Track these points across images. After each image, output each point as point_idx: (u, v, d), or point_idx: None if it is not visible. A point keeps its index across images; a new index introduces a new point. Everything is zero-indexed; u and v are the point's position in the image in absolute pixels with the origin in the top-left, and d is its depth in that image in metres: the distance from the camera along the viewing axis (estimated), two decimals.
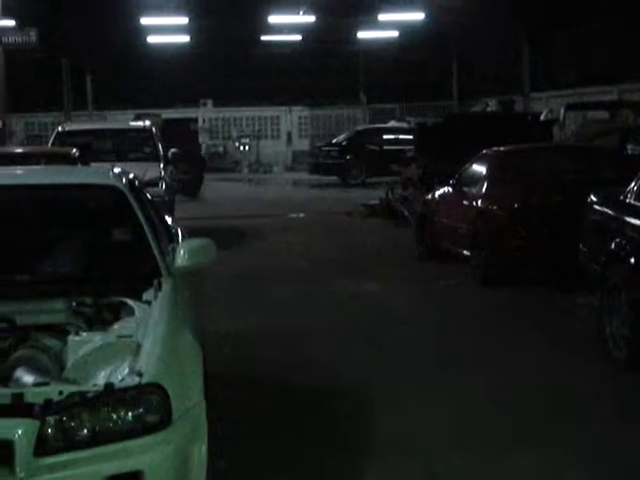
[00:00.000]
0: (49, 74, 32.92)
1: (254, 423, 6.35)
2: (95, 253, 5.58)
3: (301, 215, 20.44)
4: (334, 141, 31.27)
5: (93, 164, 12.32)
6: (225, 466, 5.26)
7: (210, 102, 38.78)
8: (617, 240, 7.65)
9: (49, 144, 16.82)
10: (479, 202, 11.69)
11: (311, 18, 28.93)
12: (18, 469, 3.78)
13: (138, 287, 4.96)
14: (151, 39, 31.21)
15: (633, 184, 7.98)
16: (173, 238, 6.52)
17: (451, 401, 6.82)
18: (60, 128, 17.58)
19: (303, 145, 37.91)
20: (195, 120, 39.04)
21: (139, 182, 6.58)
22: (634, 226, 7.60)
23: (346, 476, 5.52)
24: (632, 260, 7.35)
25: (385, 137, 29.91)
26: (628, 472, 5.44)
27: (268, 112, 39.38)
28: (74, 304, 4.90)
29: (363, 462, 5.67)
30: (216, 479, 4.63)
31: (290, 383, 7.38)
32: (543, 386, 7.12)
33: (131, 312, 4.77)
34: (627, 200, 7.96)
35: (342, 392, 7.13)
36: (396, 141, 28.91)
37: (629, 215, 7.77)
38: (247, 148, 37.00)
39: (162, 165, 16.40)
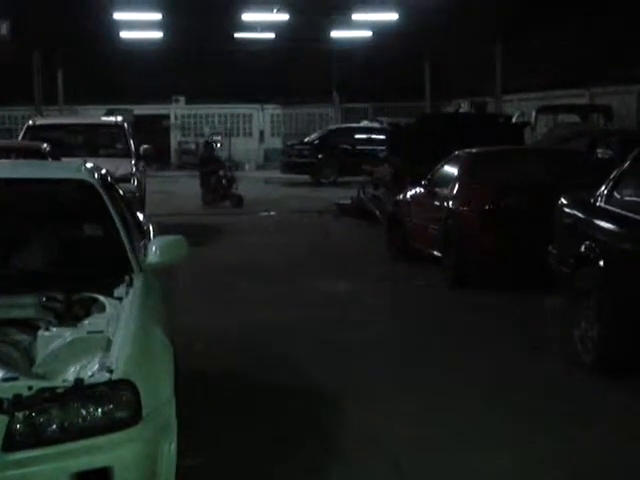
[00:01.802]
0: (20, 68, 32.66)
1: (221, 418, 6.35)
2: (66, 248, 5.55)
3: (272, 213, 20.43)
4: (306, 140, 31.28)
5: (64, 159, 12.25)
6: (195, 463, 5.26)
7: (182, 99, 38.67)
8: (586, 243, 7.69)
9: (19, 138, 16.71)
10: (450, 203, 11.73)
11: (285, 16, 28.92)
12: None
13: (109, 283, 4.95)
14: (124, 34, 31.08)
15: (603, 188, 8.04)
16: (145, 234, 6.49)
17: (409, 398, 6.86)
18: (31, 122, 17.47)
19: (275, 143, 37.89)
20: (167, 116, 38.92)
21: (110, 177, 6.55)
22: (603, 229, 7.66)
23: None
24: (601, 263, 7.40)
25: (357, 137, 29.97)
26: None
27: (241, 110, 39.33)
28: (44, 299, 4.88)
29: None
30: (186, 477, 4.61)
31: (255, 380, 7.39)
32: (505, 388, 7.15)
33: (102, 308, 4.75)
34: (597, 203, 8.01)
35: (305, 389, 7.15)
36: (368, 141, 28.98)
37: (599, 218, 7.83)
38: (219, 145, 36.90)
39: (134, 161, 16.34)
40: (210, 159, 22.88)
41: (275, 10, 28.33)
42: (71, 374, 4.15)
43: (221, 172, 21.97)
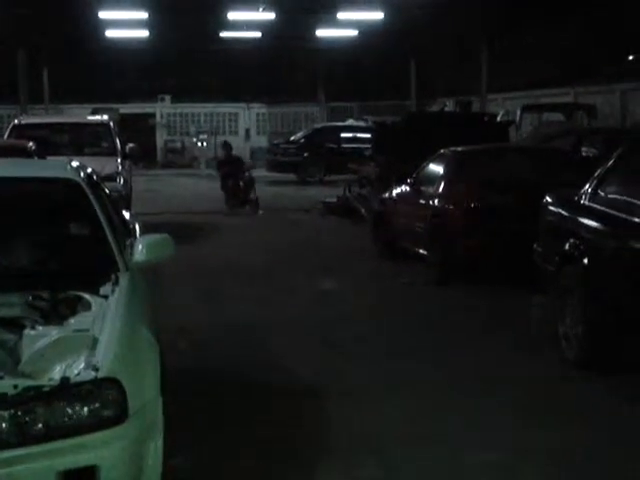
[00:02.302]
0: (5, 67, 32.55)
1: (208, 416, 6.36)
2: (52, 247, 5.55)
3: (259, 212, 20.40)
4: (292, 139, 31.30)
5: (50, 158, 12.23)
6: (181, 462, 5.27)
7: (168, 97, 38.63)
8: (571, 241, 7.73)
9: (5, 137, 16.67)
10: (435, 201, 11.77)
11: (271, 15, 28.88)
12: None
13: (95, 281, 4.95)
14: (110, 33, 30.98)
15: (587, 186, 8.08)
16: (131, 233, 6.50)
17: (395, 395, 6.89)
18: (16, 121, 17.45)
19: (261, 142, 37.87)
20: (153, 115, 38.87)
21: (96, 176, 6.55)
22: (588, 227, 7.70)
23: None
24: (585, 261, 7.44)
25: (343, 135, 30.00)
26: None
27: (226, 108, 39.31)
28: (30, 298, 4.88)
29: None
30: (173, 475, 4.63)
31: (241, 378, 7.41)
32: (489, 384, 7.18)
33: (88, 306, 4.75)
34: (581, 202, 8.06)
35: (289, 387, 7.17)
36: (354, 139, 29.02)
37: (583, 216, 7.87)
38: (205, 144, 36.91)
39: (119, 160, 16.33)
40: (227, 161, 21.52)
41: (261, 9, 28.30)
42: (57, 373, 4.15)
43: (240, 174, 20.54)
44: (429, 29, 29.76)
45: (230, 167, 21.00)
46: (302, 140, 30.40)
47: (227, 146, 21.91)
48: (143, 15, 28.19)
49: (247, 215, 19.71)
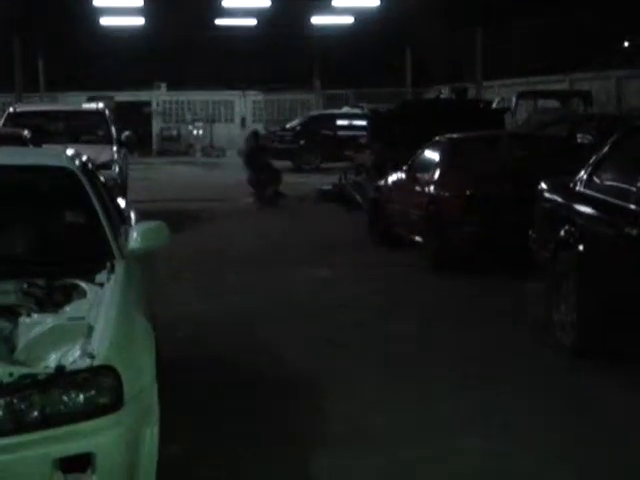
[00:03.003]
0: (0, 55, 32.48)
1: (204, 403, 6.38)
2: (47, 235, 5.56)
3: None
4: (288, 126, 31.23)
5: (45, 146, 12.21)
6: (177, 449, 5.28)
7: (164, 85, 38.55)
8: (566, 227, 7.75)
9: (0, 125, 16.64)
10: (431, 188, 11.77)
11: (266, 2, 28.82)
12: None
13: (91, 269, 4.95)
14: (105, 21, 30.91)
15: (582, 172, 8.09)
16: (126, 221, 6.50)
17: (393, 383, 6.92)
18: (12, 109, 17.43)
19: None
20: (149, 103, 38.81)
21: (92, 164, 6.55)
22: (583, 214, 7.71)
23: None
24: (580, 247, 7.46)
25: (339, 123, 29.95)
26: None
27: (222, 96, 39.22)
28: (25, 285, 4.87)
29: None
30: (172, 462, 4.64)
31: (237, 365, 7.44)
32: (485, 370, 7.21)
33: (83, 294, 4.75)
34: (577, 188, 8.06)
35: (285, 375, 7.20)
36: (350, 127, 28.97)
37: (578, 203, 7.88)
38: (201, 132, 36.86)
39: (115, 148, 16.31)
40: (257, 152, 20.03)
41: None
42: (52, 360, 4.14)
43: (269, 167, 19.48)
44: (425, 16, 29.70)
45: (259, 159, 19.76)
46: (298, 128, 30.36)
47: (256, 136, 20.55)
48: (138, 2, 28.11)
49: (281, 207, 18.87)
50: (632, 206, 6.92)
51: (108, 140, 16.48)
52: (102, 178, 6.62)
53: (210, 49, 36.09)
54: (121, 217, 6.43)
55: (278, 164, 28.68)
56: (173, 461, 5.08)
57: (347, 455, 5.55)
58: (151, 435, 4.24)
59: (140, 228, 5.41)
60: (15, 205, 5.81)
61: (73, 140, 14.84)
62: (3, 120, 16.73)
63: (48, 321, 4.46)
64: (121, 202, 7.42)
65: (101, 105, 18.77)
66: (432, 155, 12.42)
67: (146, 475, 4.18)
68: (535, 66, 28.51)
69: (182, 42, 35.11)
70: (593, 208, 7.61)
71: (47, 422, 3.88)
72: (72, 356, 4.10)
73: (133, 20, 31.09)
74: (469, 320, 8.97)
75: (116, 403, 3.98)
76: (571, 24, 27.17)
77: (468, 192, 11.07)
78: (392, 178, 13.46)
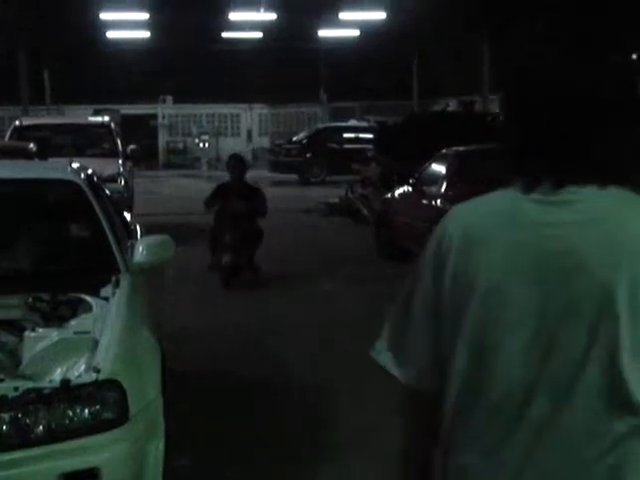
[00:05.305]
0: (6, 68, 32.57)
1: (208, 417, 6.35)
2: (53, 248, 5.54)
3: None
4: (294, 139, 31.26)
5: (51, 159, 12.22)
6: (186, 463, 5.25)
7: (170, 98, 38.64)
8: None
9: (6, 138, 16.67)
10: (438, 201, 11.73)
11: (272, 15, 28.91)
12: None
13: (96, 283, 4.93)
14: (111, 34, 31.00)
15: None
16: (132, 234, 6.49)
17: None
18: (18, 122, 17.46)
19: (263, 143, 37.85)
20: (155, 116, 38.89)
21: (97, 178, 6.54)
22: None
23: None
24: None
25: (345, 136, 29.96)
26: None
27: (228, 109, 39.30)
28: (30, 300, 4.85)
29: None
30: (177, 476, 4.61)
31: (241, 379, 7.43)
32: None
33: (88, 308, 4.73)
34: None
35: (288, 385, 7.23)
36: (356, 140, 28.97)
37: None
38: (207, 145, 36.92)
39: (121, 161, 16.32)
40: (233, 190, 12.39)
41: (262, 9, 28.31)
42: (58, 375, 4.12)
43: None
44: (431, 29, 29.74)
45: (233, 205, 12.27)
46: (304, 141, 30.36)
47: (241, 163, 12.58)
48: (144, 16, 28.23)
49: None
50: None
51: (114, 153, 16.51)
52: (108, 191, 6.61)
53: (216, 62, 36.15)
54: (127, 231, 6.42)
55: (284, 177, 28.94)
56: (178, 475, 5.05)
57: None
58: (156, 450, 4.21)
59: (146, 242, 5.39)
60: (21, 218, 5.81)
61: (79, 153, 14.84)
62: (9, 133, 16.76)
63: (53, 335, 4.44)
64: (127, 215, 7.41)
65: (107, 118, 18.80)
66: (439, 168, 12.39)
67: None
68: None
69: (188, 55, 35.19)
70: None
71: (52, 436, 3.87)
72: (77, 370, 4.08)
73: (139, 33, 31.20)
74: None
75: (121, 418, 3.96)
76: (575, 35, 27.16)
77: None
78: (399, 191, 13.44)
